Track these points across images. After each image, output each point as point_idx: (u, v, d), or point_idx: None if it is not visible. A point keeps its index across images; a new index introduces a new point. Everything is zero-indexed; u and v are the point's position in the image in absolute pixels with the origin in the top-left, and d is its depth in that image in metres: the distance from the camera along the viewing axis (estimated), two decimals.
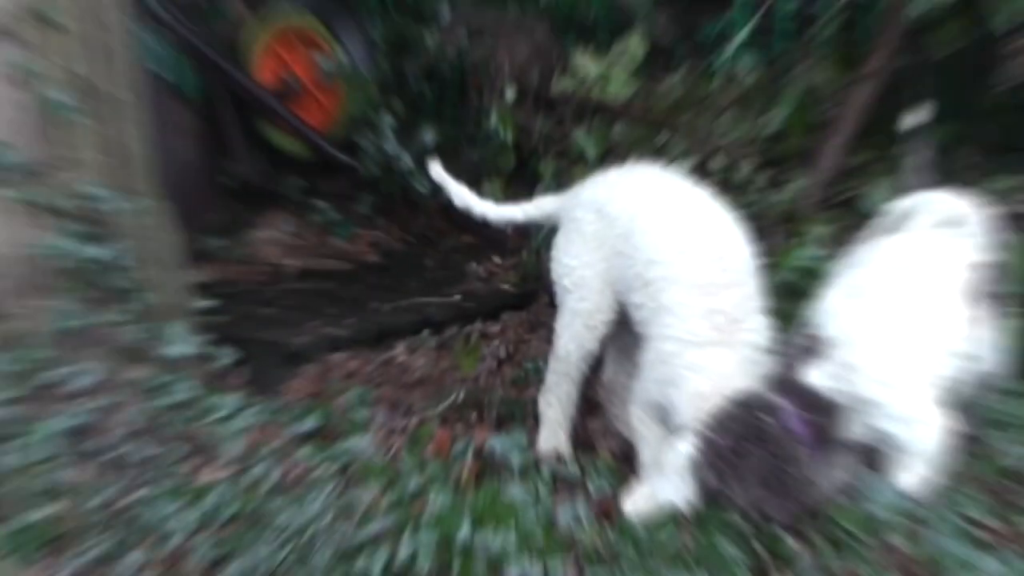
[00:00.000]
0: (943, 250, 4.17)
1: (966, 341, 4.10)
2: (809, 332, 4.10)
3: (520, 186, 5.84)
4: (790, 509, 3.86)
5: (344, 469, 4.55)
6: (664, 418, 4.27)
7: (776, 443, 3.87)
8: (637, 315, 4.42)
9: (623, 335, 4.62)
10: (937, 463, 4.00)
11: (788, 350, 4.11)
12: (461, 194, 5.02)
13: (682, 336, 4.20)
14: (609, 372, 4.87)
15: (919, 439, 3.97)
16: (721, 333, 4.17)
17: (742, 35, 5.63)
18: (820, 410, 3.93)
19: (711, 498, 3.92)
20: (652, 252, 4.37)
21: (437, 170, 5.06)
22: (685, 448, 4.00)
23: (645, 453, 4.43)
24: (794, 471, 3.84)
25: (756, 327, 4.22)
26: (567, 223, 4.70)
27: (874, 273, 4.15)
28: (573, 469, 4.58)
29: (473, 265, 6.39)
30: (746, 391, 4.01)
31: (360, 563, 3.99)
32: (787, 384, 3.98)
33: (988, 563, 3.56)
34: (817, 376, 3.98)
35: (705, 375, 4.13)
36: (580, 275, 4.61)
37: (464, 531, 3.96)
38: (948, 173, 5.13)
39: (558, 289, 4.71)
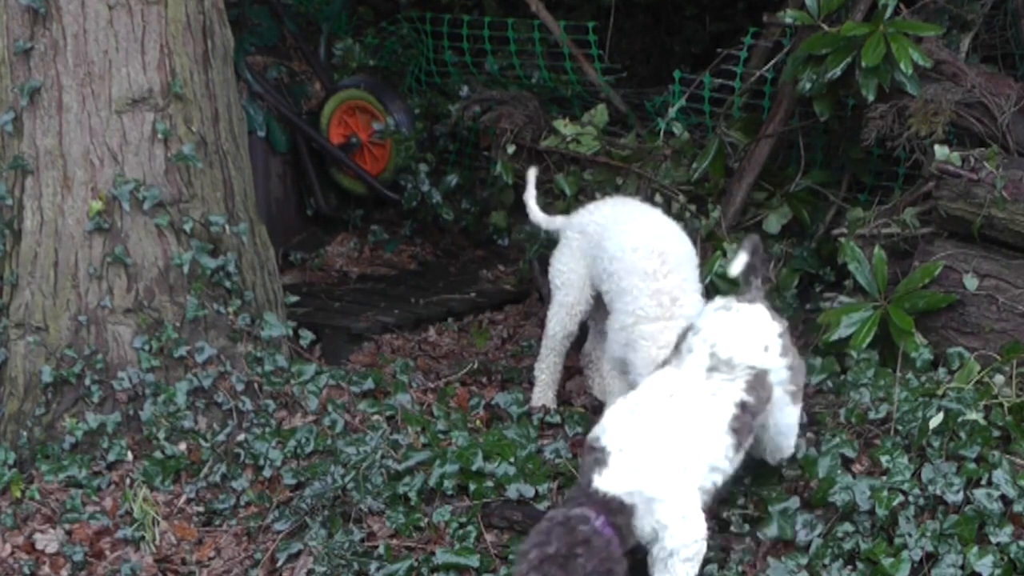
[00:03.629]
0: (714, 389, 3.45)
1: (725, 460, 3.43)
2: (597, 444, 3.32)
3: (518, 215, 5.79)
4: None
5: (391, 418, 4.51)
6: (624, 370, 4.24)
7: (597, 550, 3.14)
8: (606, 298, 4.38)
9: (602, 319, 4.55)
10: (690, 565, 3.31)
11: (583, 462, 3.36)
12: (529, 201, 4.82)
13: (635, 311, 4.14)
14: (588, 345, 4.82)
15: (681, 539, 3.29)
16: (664, 309, 4.10)
17: (677, 106, 5.58)
18: (619, 513, 3.23)
19: None
20: (614, 251, 4.33)
21: (531, 187, 4.82)
22: None
23: (612, 399, 4.30)
24: (618, 570, 3.18)
25: (692, 304, 4.13)
26: (563, 240, 4.65)
27: (655, 398, 3.44)
28: (556, 418, 4.52)
29: (484, 271, 6.37)
30: (559, 510, 3.25)
31: (403, 485, 3.93)
32: (588, 494, 3.25)
33: (860, 486, 3.50)
34: (608, 482, 3.25)
35: (652, 343, 4.06)
36: (567, 277, 4.58)
37: (478, 462, 3.90)
38: (821, 209, 5.09)
39: (551, 286, 4.66)
